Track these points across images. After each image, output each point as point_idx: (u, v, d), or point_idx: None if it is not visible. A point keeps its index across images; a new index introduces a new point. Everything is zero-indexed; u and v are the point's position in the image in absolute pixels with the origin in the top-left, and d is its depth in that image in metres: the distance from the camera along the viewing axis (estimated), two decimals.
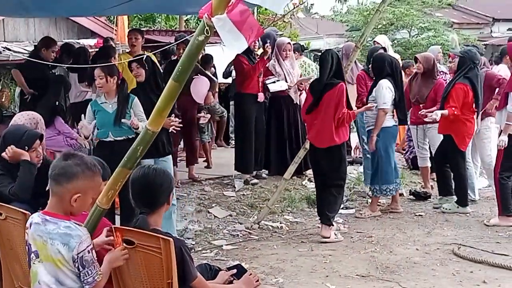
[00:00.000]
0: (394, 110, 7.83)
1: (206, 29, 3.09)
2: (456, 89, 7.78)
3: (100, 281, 3.15)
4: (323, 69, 6.91)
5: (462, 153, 7.95)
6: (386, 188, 7.82)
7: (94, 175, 3.21)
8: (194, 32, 3.34)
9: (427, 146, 8.83)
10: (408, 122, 8.73)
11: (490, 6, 29.69)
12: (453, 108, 7.72)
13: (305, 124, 7.43)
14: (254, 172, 9.11)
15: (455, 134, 7.86)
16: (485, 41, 24.99)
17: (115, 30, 14.27)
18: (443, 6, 23.80)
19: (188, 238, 6.88)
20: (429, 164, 8.92)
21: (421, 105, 8.49)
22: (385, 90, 7.61)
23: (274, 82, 9.01)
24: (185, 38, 8.30)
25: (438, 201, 8.27)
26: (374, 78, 7.99)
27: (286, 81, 9.08)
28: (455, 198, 8.06)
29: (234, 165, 9.09)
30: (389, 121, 7.76)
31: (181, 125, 6.73)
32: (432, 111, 7.93)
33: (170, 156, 6.66)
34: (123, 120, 6.11)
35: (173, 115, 6.42)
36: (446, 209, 8.00)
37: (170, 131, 6.55)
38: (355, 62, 9.94)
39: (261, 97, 8.97)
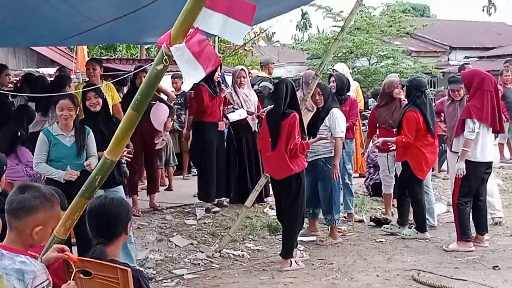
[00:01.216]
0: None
1: (165, 58, 3.10)
2: (407, 117, 7.94)
3: None
4: (278, 98, 6.88)
5: (419, 180, 8.05)
6: (338, 217, 7.85)
7: (53, 205, 3.16)
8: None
9: (393, 174, 8.89)
10: (376, 150, 8.83)
11: (447, 34, 30.37)
12: (403, 136, 7.86)
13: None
14: (216, 200, 9.10)
15: (411, 161, 7.98)
16: (442, 68, 25.47)
17: (75, 58, 14.19)
18: (402, 35, 24.20)
19: (149, 268, 6.81)
20: (392, 192, 9.01)
21: (394, 130, 8.51)
22: (340, 118, 7.67)
23: (233, 111, 9.05)
24: (144, 67, 8.32)
25: (391, 227, 8.34)
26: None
27: (242, 107, 9.12)
28: (407, 229, 8.17)
29: (197, 193, 9.06)
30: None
31: (131, 155, 6.66)
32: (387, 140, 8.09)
33: (121, 186, 6.48)
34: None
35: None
36: (405, 235, 8.07)
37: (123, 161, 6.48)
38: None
39: (221, 125, 9.01)
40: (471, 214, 7.49)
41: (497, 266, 6.63)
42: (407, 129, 7.87)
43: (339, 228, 8.32)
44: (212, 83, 8.89)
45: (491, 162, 7.53)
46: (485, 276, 6.36)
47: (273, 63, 13.07)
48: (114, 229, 3.40)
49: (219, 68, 9.17)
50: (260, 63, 12.90)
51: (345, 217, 8.77)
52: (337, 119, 7.64)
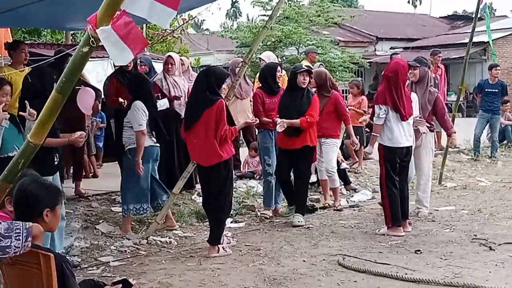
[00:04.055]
0: None
1: (91, 40, 3.05)
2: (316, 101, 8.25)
3: None
4: (200, 85, 6.86)
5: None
6: (133, 207, 7.50)
7: None
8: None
9: (323, 159, 9.03)
10: None
11: (374, 25, 30.94)
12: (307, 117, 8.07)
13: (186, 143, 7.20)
14: None
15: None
16: (369, 59, 25.99)
17: None
18: (330, 25, 24.52)
19: (74, 255, 6.70)
20: (326, 177, 9.14)
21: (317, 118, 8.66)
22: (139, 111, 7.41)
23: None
24: (66, 52, 8.16)
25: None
26: None
27: (171, 94, 9.06)
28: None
29: None
30: (148, 141, 7.51)
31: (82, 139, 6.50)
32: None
33: (57, 175, 6.30)
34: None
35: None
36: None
37: None
38: (244, 77, 10.12)
39: None
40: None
41: (419, 250, 6.82)
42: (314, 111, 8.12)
43: (265, 214, 8.44)
44: (126, 74, 8.67)
45: (406, 148, 7.61)
46: (407, 260, 6.54)
47: (315, 52, 13.10)
48: (29, 210, 3.32)
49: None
50: (304, 52, 12.99)
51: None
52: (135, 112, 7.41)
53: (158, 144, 7.64)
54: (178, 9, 3.22)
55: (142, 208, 7.52)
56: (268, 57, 10.58)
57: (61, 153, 6.36)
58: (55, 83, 6.16)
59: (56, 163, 6.18)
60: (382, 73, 7.95)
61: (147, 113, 7.39)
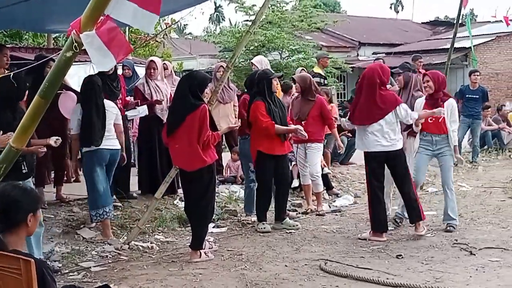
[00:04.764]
0: None
1: (75, 45, 3.05)
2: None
3: None
4: (182, 90, 6.86)
5: None
6: (96, 213, 7.44)
7: None
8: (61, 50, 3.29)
9: (308, 164, 9.06)
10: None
11: (356, 31, 31.03)
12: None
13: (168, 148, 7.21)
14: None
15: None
16: (352, 64, 26.05)
17: None
18: (313, 30, 24.59)
19: (55, 261, 6.66)
20: (310, 182, 9.16)
21: (302, 122, 8.71)
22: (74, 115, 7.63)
23: (134, 108, 8.95)
24: (49, 57, 8.11)
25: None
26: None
27: (153, 99, 9.04)
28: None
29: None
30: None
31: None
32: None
33: (30, 180, 6.21)
34: None
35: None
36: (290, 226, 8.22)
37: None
38: (228, 82, 10.15)
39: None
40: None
41: (400, 255, 6.85)
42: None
43: (247, 220, 8.46)
44: (111, 83, 8.64)
45: (378, 153, 7.57)
46: (389, 264, 6.57)
47: (327, 56, 13.15)
48: (13, 216, 3.30)
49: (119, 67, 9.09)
50: (316, 58, 13.07)
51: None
52: None
53: (110, 147, 7.54)
54: (160, 13, 3.23)
55: (104, 212, 7.46)
56: (260, 61, 10.56)
57: (31, 161, 6.20)
58: (27, 90, 6.16)
59: (24, 171, 5.97)
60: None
61: (79, 117, 7.46)
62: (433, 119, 7.81)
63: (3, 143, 5.34)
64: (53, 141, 6.33)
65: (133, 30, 17.17)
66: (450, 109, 7.82)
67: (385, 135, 7.53)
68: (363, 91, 7.55)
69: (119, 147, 7.67)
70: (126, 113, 8.91)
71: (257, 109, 7.93)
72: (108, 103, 7.69)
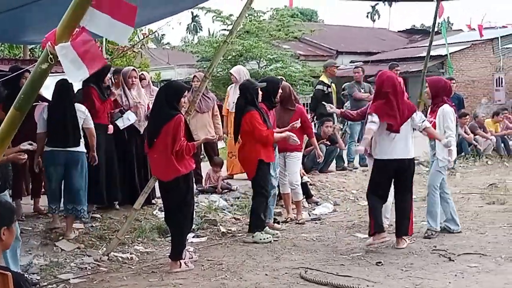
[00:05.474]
0: None
1: (50, 57, 3.04)
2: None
3: None
4: (159, 100, 6.89)
5: None
6: (55, 206, 7.90)
7: None
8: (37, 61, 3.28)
9: (287, 173, 9.06)
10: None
11: (334, 39, 31.28)
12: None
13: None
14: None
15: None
16: None
17: None
18: (290, 39, 24.72)
19: (33, 273, 6.61)
20: (289, 191, 9.17)
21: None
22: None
23: (120, 116, 8.89)
24: (25, 69, 8.07)
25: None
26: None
27: (131, 108, 9.01)
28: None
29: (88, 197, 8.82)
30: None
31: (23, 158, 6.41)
32: None
33: (6, 192, 6.15)
34: None
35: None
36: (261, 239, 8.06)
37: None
38: (206, 91, 10.15)
39: (110, 129, 8.82)
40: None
41: (380, 262, 6.88)
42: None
43: (229, 229, 8.45)
44: (101, 85, 8.70)
45: (397, 161, 7.47)
46: (369, 272, 6.59)
47: (335, 64, 13.16)
48: None
49: (110, 70, 9.01)
50: (323, 66, 13.06)
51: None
52: None
53: (57, 148, 7.74)
54: (135, 24, 3.23)
55: (51, 208, 7.95)
56: (238, 71, 10.59)
57: (5, 173, 6.13)
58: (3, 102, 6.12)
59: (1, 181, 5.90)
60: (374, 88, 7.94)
61: (44, 117, 7.73)
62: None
63: None
64: (27, 146, 6.29)
65: (110, 41, 17.11)
66: (441, 116, 7.88)
67: (407, 141, 7.53)
68: (392, 97, 7.36)
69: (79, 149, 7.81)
70: (116, 122, 8.86)
71: (254, 119, 7.88)
72: (78, 106, 7.87)
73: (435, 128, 7.86)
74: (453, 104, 8.50)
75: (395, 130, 7.39)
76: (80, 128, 7.79)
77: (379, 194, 7.58)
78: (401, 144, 7.47)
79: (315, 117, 12.43)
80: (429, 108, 8.23)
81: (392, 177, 7.56)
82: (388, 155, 7.48)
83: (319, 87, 12.46)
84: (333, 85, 12.58)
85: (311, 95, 11.36)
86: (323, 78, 12.58)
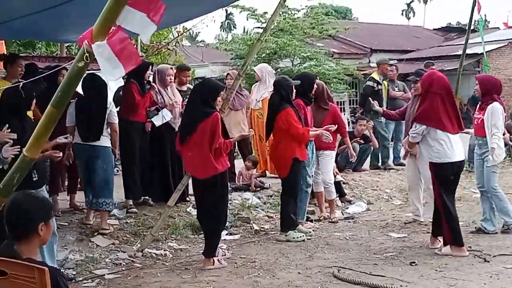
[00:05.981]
0: None
1: (86, 56, 3.08)
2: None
3: None
4: (195, 98, 6.92)
5: None
6: (103, 201, 7.87)
7: None
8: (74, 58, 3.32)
9: (321, 171, 9.04)
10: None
11: (368, 37, 31.02)
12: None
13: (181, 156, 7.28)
14: (141, 199, 9.02)
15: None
16: (363, 70, 25.99)
17: None
18: (324, 37, 24.57)
19: (69, 268, 6.70)
20: (322, 189, 9.14)
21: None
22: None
23: (156, 114, 8.92)
24: (62, 67, 8.18)
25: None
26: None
27: (167, 106, 9.02)
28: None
29: (124, 192, 8.91)
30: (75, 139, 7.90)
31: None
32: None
33: (43, 188, 6.16)
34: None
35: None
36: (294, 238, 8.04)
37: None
38: (239, 89, 10.16)
39: (148, 126, 8.88)
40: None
41: (414, 262, 6.83)
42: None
43: (262, 227, 8.45)
44: (142, 81, 8.77)
45: (459, 163, 7.29)
46: (402, 272, 6.55)
47: (387, 63, 13.25)
48: (24, 225, 3.31)
49: (150, 67, 9.06)
50: (376, 63, 13.30)
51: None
52: None
53: (80, 142, 7.88)
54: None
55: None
56: (261, 69, 10.57)
57: (43, 168, 6.24)
58: (34, 101, 6.20)
59: (35, 179, 5.88)
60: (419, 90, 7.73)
61: (72, 112, 7.84)
62: (477, 121, 7.94)
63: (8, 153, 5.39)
64: (63, 139, 6.38)
65: None
66: (490, 113, 7.76)
67: (460, 144, 7.39)
68: (446, 100, 7.15)
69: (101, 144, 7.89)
70: (152, 120, 8.91)
71: (289, 116, 7.85)
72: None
73: (483, 125, 7.78)
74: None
75: (454, 132, 7.22)
76: (105, 123, 7.88)
77: (449, 202, 7.17)
78: (460, 145, 7.35)
79: (363, 113, 12.44)
80: (477, 106, 8.12)
81: (457, 180, 7.34)
82: (453, 157, 7.18)
83: (369, 83, 12.51)
84: (384, 82, 12.52)
85: (361, 91, 11.37)
86: (374, 75, 12.60)
